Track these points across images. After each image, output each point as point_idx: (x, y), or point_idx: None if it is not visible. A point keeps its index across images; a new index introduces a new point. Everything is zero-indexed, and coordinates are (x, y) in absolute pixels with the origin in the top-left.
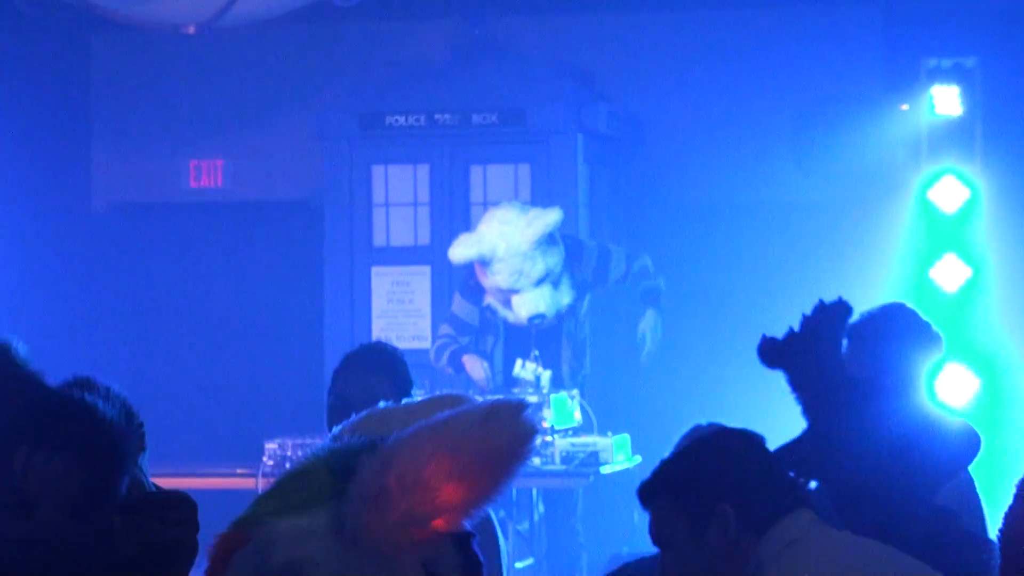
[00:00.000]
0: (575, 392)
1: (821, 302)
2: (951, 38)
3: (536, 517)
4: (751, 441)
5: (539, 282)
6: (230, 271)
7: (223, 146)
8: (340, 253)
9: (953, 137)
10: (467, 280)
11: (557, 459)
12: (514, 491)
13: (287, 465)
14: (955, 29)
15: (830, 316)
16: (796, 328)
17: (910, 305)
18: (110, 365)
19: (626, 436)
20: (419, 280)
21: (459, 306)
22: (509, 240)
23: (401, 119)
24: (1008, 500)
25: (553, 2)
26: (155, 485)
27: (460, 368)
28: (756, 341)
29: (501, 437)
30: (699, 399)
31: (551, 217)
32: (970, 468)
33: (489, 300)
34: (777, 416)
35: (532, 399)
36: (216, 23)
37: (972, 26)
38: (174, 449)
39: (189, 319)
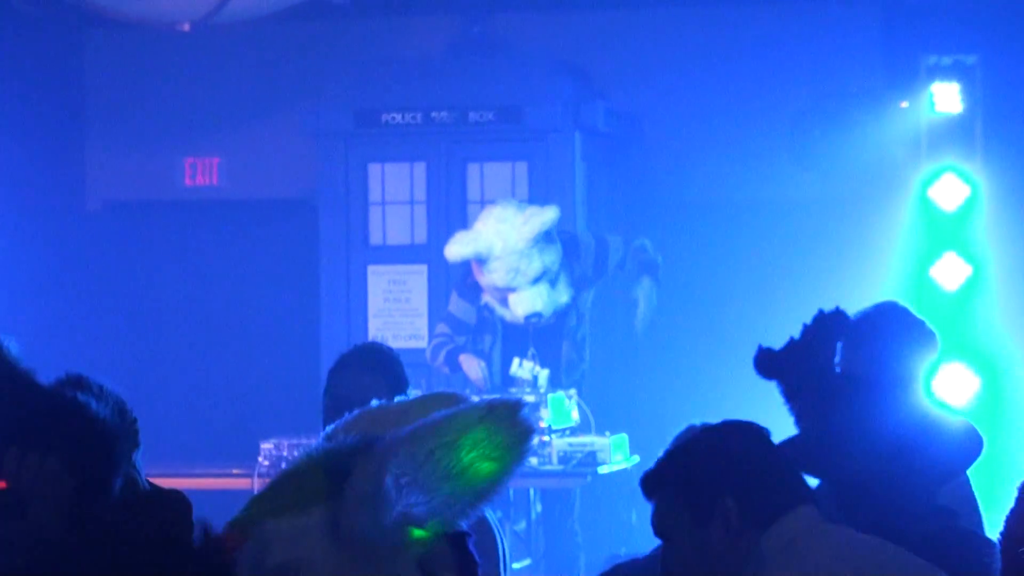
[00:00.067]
0: (572, 392)
1: (821, 312)
2: (951, 35)
3: (533, 517)
4: (756, 435)
5: (536, 280)
6: (225, 270)
7: (219, 144)
8: (336, 251)
9: (953, 134)
10: (464, 279)
11: (554, 459)
12: (511, 491)
13: (283, 465)
14: (955, 26)
15: (828, 326)
16: (796, 337)
17: (902, 303)
18: (105, 364)
19: (624, 436)
20: (416, 279)
21: (456, 305)
22: (506, 238)
23: (397, 117)
24: (1008, 501)
25: None
26: (149, 483)
27: (456, 367)
28: (755, 339)
29: (498, 437)
30: (697, 398)
31: (548, 215)
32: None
33: (486, 299)
34: (776, 416)
35: (529, 398)
36: (211, 20)
37: (972, 23)
38: (169, 449)
39: (184, 318)
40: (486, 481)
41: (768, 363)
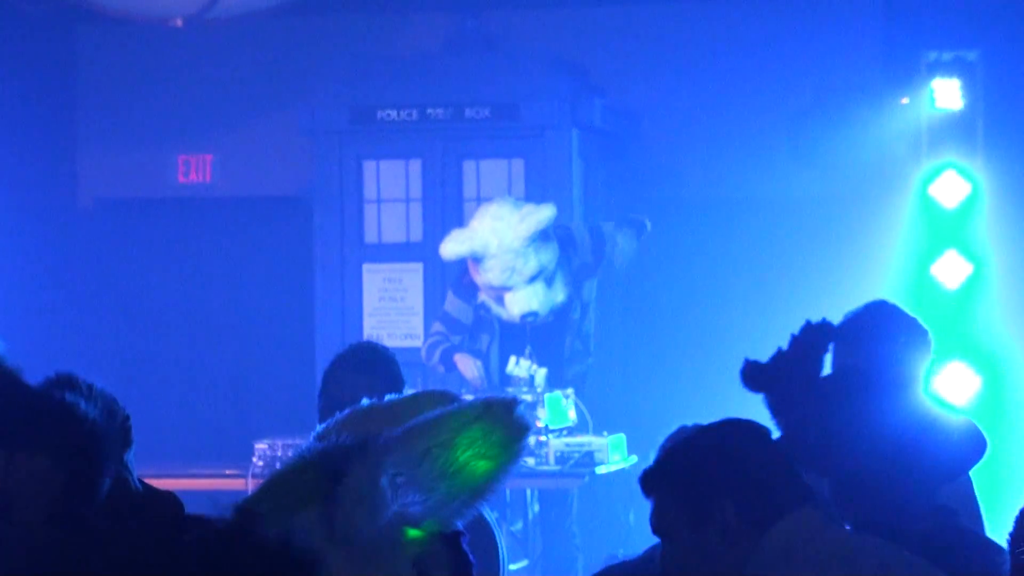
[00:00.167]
0: (570, 391)
1: (808, 322)
2: (952, 31)
3: (531, 517)
4: (756, 434)
5: (532, 279)
6: (219, 268)
7: (212, 141)
8: (331, 250)
9: (954, 131)
10: (460, 278)
11: (552, 459)
12: (508, 491)
13: (277, 465)
14: (956, 22)
15: (816, 337)
16: (784, 348)
17: (892, 301)
18: (97, 363)
19: (622, 436)
20: (411, 277)
21: (452, 304)
22: (501, 236)
23: (393, 113)
24: (1012, 500)
25: None
26: (141, 482)
27: (452, 367)
28: (754, 338)
29: (494, 436)
30: (696, 397)
31: (544, 213)
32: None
33: (483, 297)
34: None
35: (527, 398)
36: (204, 16)
37: (973, 19)
38: (162, 449)
39: (177, 317)
40: (482, 480)
41: (755, 376)
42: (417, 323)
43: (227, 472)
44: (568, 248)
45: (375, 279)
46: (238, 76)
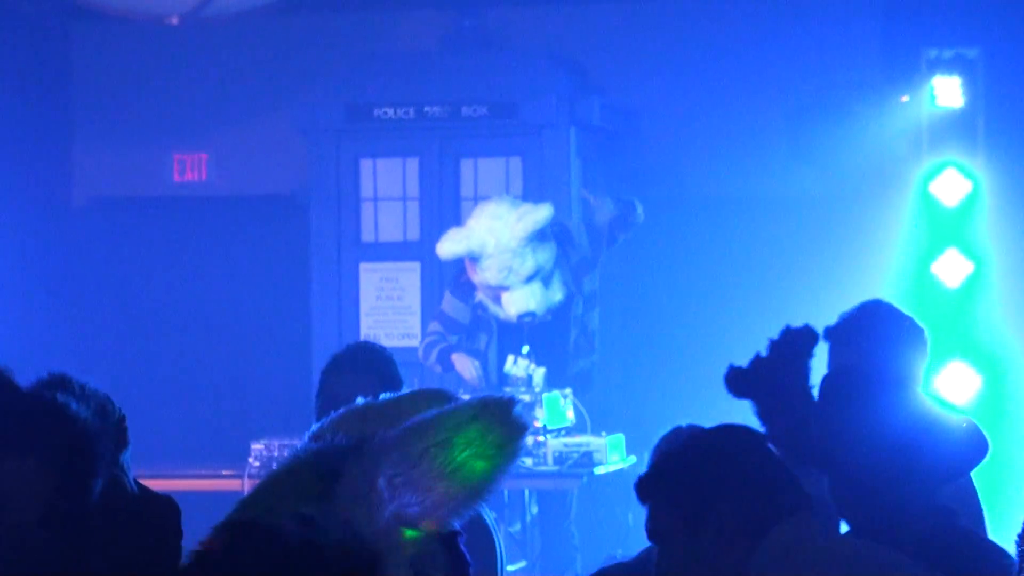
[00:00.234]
0: (568, 391)
1: (788, 327)
2: (952, 28)
3: (528, 519)
4: (752, 439)
5: (529, 279)
6: (214, 267)
7: (207, 139)
8: (327, 249)
9: (955, 129)
10: (458, 277)
11: (550, 459)
12: (506, 492)
13: (273, 466)
14: (957, 18)
15: (797, 342)
16: (763, 354)
17: (887, 300)
18: (91, 363)
19: (620, 436)
20: (408, 276)
21: (449, 304)
22: (498, 236)
23: (390, 111)
24: (1013, 500)
25: None
26: (138, 483)
27: (449, 367)
28: (754, 338)
29: (492, 435)
30: (695, 397)
31: (542, 213)
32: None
33: (480, 296)
34: None
35: (524, 398)
36: (200, 13)
37: (974, 16)
38: (157, 450)
39: (173, 316)
40: (480, 480)
41: (737, 382)
42: (414, 322)
43: (223, 473)
44: (566, 245)
45: (372, 278)
46: (234, 74)
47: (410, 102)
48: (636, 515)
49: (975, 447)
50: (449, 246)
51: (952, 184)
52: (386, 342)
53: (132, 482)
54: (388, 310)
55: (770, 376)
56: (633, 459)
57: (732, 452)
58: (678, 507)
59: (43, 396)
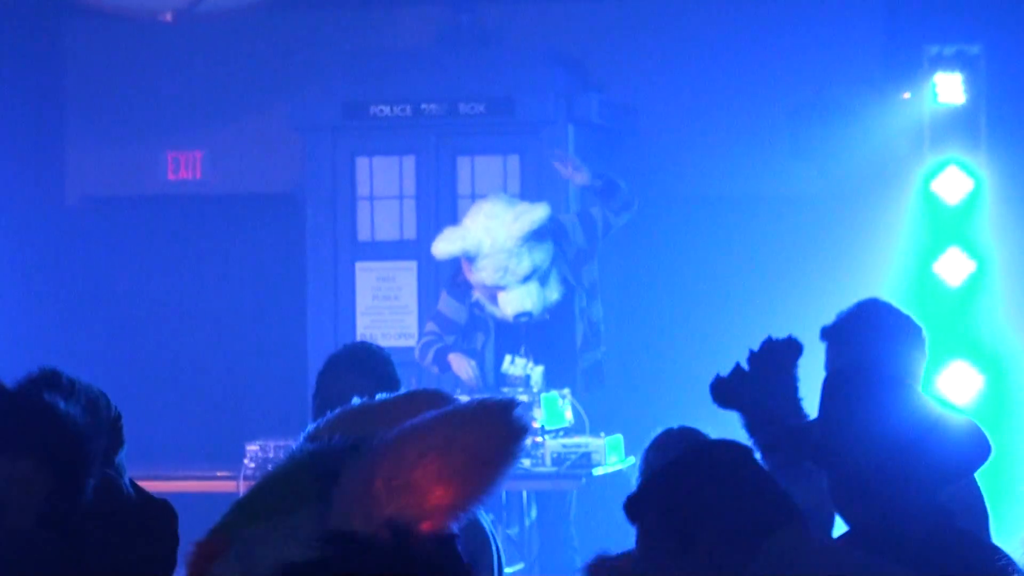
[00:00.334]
0: (566, 391)
1: (769, 338)
2: (954, 24)
3: (527, 522)
4: (739, 455)
5: (526, 279)
6: (209, 266)
7: (202, 137)
8: (323, 248)
9: (956, 126)
10: (454, 277)
11: (548, 460)
12: (504, 494)
13: (269, 467)
14: (959, 15)
15: (779, 353)
16: (744, 365)
17: (885, 299)
18: (85, 363)
19: (619, 436)
20: (405, 276)
21: (445, 304)
22: (494, 236)
23: (386, 109)
24: (1015, 500)
25: None
26: (134, 485)
27: (446, 367)
28: (754, 337)
29: (491, 437)
30: (694, 397)
31: (538, 213)
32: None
33: (477, 296)
34: None
35: (523, 398)
36: (194, 10)
37: (976, 12)
38: (152, 450)
39: (167, 316)
40: (479, 482)
41: (721, 392)
42: (411, 322)
43: (218, 474)
44: (560, 239)
45: (368, 277)
46: (228, 71)
47: (407, 99)
48: None
49: (977, 448)
50: (445, 246)
51: (954, 182)
52: (382, 342)
53: (128, 484)
54: (384, 310)
55: (753, 387)
56: (632, 460)
57: (720, 469)
58: (668, 526)
59: (32, 397)
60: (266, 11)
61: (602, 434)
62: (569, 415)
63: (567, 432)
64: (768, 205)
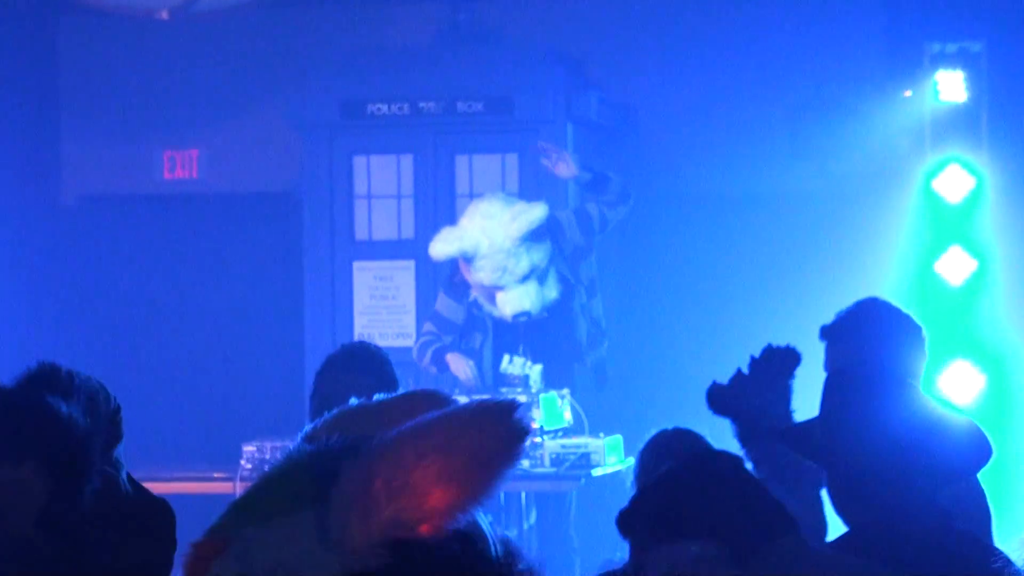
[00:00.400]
0: (565, 391)
1: (769, 346)
2: (956, 22)
3: (525, 525)
4: (731, 467)
5: (524, 279)
6: (205, 266)
7: (198, 136)
8: (320, 247)
9: (958, 124)
10: (451, 276)
11: (547, 461)
12: (502, 495)
13: (266, 469)
14: (960, 12)
15: (779, 361)
16: (744, 371)
17: (884, 298)
18: (80, 364)
19: (619, 437)
20: (403, 275)
21: (443, 304)
22: (492, 236)
23: (384, 107)
24: (1017, 500)
25: None
26: (131, 480)
27: (444, 367)
28: (754, 337)
29: (492, 439)
30: (694, 397)
31: (536, 213)
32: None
33: (475, 295)
34: None
35: (521, 399)
36: (190, 8)
37: (978, 9)
38: (147, 451)
39: (163, 316)
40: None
41: (717, 399)
42: (409, 322)
43: (214, 475)
44: (557, 236)
45: (366, 277)
46: (225, 69)
47: (404, 98)
48: None
49: (978, 450)
50: (442, 247)
51: (955, 180)
52: (380, 342)
53: (125, 479)
54: (382, 309)
55: (750, 394)
56: (631, 460)
57: (711, 482)
58: (661, 542)
59: (34, 399)
60: (263, 9)
61: (601, 434)
62: (568, 415)
63: (566, 433)
64: (768, 204)
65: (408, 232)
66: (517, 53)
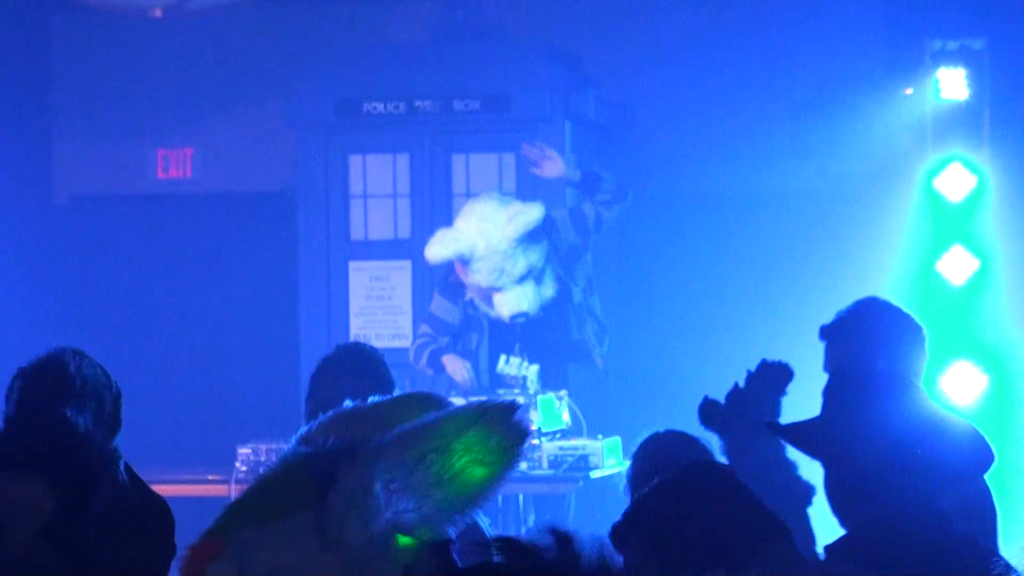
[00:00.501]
0: (563, 393)
1: (764, 361)
2: (957, 18)
3: (523, 528)
4: (722, 478)
5: (521, 279)
6: (200, 266)
7: (192, 135)
8: (316, 247)
9: (960, 122)
10: (446, 277)
11: (545, 463)
12: (499, 498)
13: (260, 471)
14: (961, 9)
15: (772, 376)
16: (741, 385)
17: (884, 298)
18: None
19: (617, 439)
20: (399, 275)
21: (438, 305)
22: (489, 238)
23: (379, 106)
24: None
25: None
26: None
27: (440, 369)
28: (754, 337)
29: (492, 441)
30: (693, 398)
31: (533, 214)
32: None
33: (471, 295)
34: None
35: (519, 400)
36: (184, 5)
37: (979, 6)
38: (141, 453)
39: (157, 317)
40: (478, 487)
41: (711, 414)
42: (405, 322)
43: (209, 478)
44: (553, 237)
45: (362, 277)
46: (219, 68)
47: (400, 96)
48: None
49: (979, 454)
50: (438, 250)
51: (957, 179)
52: (376, 343)
53: (123, 471)
54: (378, 310)
55: (741, 411)
56: (630, 463)
57: (703, 492)
58: (655, 553)
59: (53, 416)
60: (257, 7)
61: (600, 436)
62: (566, 417)
63: (564, 434)
64: (768, 203)
65: (404, 232)
66: (514, 51)
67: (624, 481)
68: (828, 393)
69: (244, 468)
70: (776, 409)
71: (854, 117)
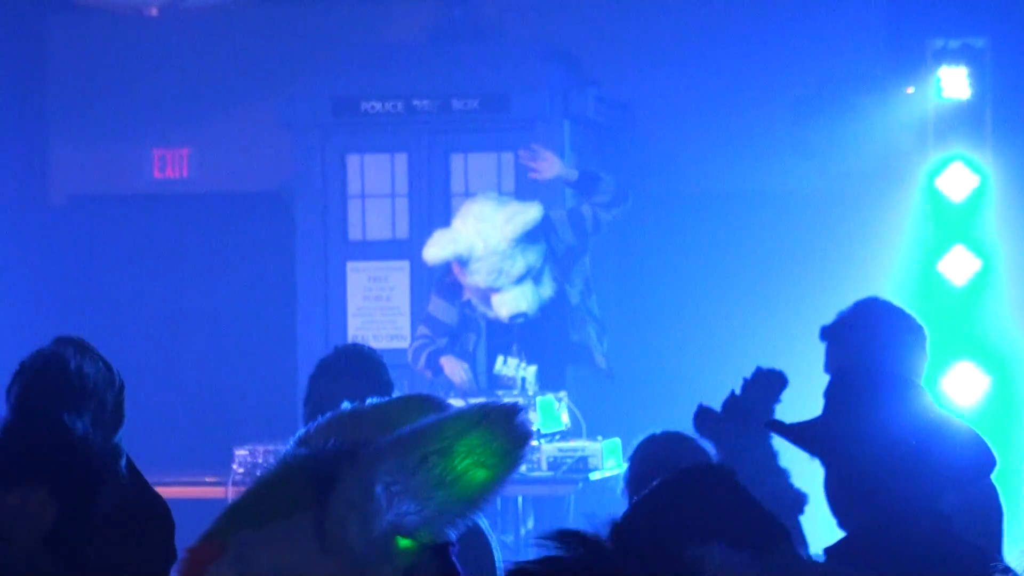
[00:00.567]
0: (563, 394)
1: (760, 368)
2: (959, 17)
3: (523, 530)
4: (722, 480)
5: (520, 280)
6: (197, 267)
7: (189, 134)
8: (313, 247)
9: (961, 122)
10: (443, 278)
11: (544, 465)
12: (498, 500)
13: (258, 473)
14: (963, 8)
15: (766, 384)
16: (737, 392)
17: (885, 298)
18: None
19: (617, 440)
20: (397, 276)
21: (435, 306)
22: (487, 239)
23: (377, 105)
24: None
25: None
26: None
27: (438, 371)
28: (754, 337)
29: (494, 443)
30: (692, 399)
31: (531, 215)
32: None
33: (468, 295)
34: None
35: (520, 402)
36: (180, 4)
37: (981, 5)
38: (137, 455)
39: (154, 318)
40: (479, 489)
41: (706, 422)
42: (404, 323)
43: (206, 480)
44: (551, 238)
45: (359, 278)
46: (216, 67)
47: (398, 95)
48: None
49: (980, 457)
50: (436, 251)
51: (959, 178)
52: (374, 343)
53: (124, 468)
54: (376, 310)
55: (736, 419)
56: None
57: (703, 497)
58: (652, 559)
59: (52, 423)
60: (253, 5)
61: (599, 438)
62: (565, 418)
63: (563, 436)
64: (769, 203)
65: (402, 232)
66: (513, 50)
67: (622, 483)
68: (829, 394)
69: (241, 470)
70: (770, 415)
71: (855, 116)
